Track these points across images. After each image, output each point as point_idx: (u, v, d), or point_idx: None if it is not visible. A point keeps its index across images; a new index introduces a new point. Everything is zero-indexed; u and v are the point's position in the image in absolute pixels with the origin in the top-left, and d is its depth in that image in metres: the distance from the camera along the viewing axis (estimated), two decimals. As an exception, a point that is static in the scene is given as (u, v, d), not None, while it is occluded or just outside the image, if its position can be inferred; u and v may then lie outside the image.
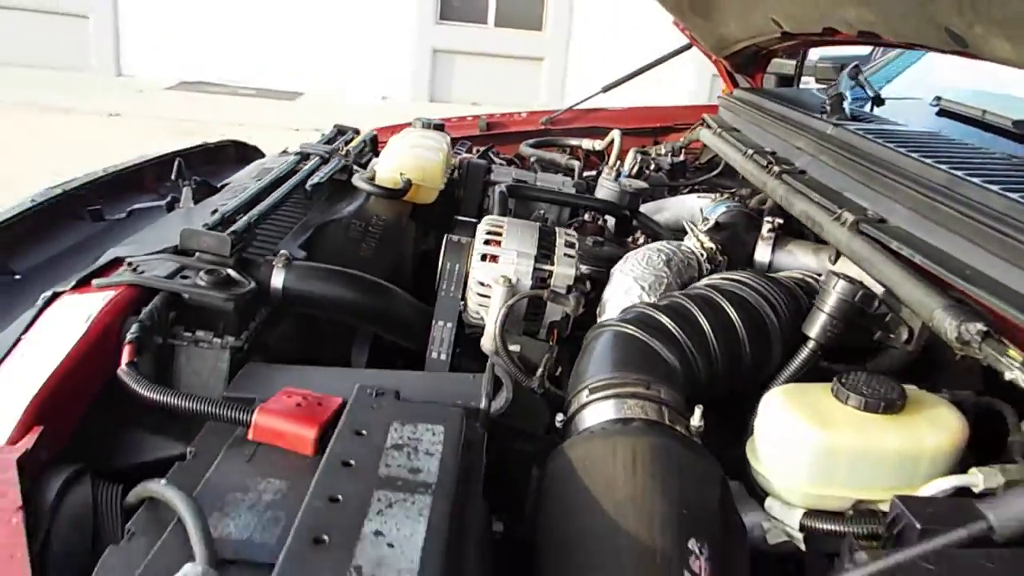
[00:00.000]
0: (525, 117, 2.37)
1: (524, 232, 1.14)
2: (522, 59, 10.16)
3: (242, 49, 9.62)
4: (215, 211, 1.13)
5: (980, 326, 0.77)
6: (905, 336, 0.99)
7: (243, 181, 1.47)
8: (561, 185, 1.68)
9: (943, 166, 1.07)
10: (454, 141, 1.83)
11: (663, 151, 2.08)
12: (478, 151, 2.01)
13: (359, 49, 9.71)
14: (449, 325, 1.13)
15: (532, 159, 1.99)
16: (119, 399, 0.87)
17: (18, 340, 0.89)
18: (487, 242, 1.13)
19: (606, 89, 2.33)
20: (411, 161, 1.42)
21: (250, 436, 0.79)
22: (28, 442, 0.77)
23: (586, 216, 1.60)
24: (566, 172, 1.92)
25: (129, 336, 0.88)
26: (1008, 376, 0.75)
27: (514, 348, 1.07)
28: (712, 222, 1.36)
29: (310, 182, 1.34)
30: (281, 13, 9.60)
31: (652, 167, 1.92)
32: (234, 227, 1.05)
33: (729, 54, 2.06)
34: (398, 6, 9.66)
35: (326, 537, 0.62)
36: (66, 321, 0.91)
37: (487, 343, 1.09)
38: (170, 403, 0.82)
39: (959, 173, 1.02)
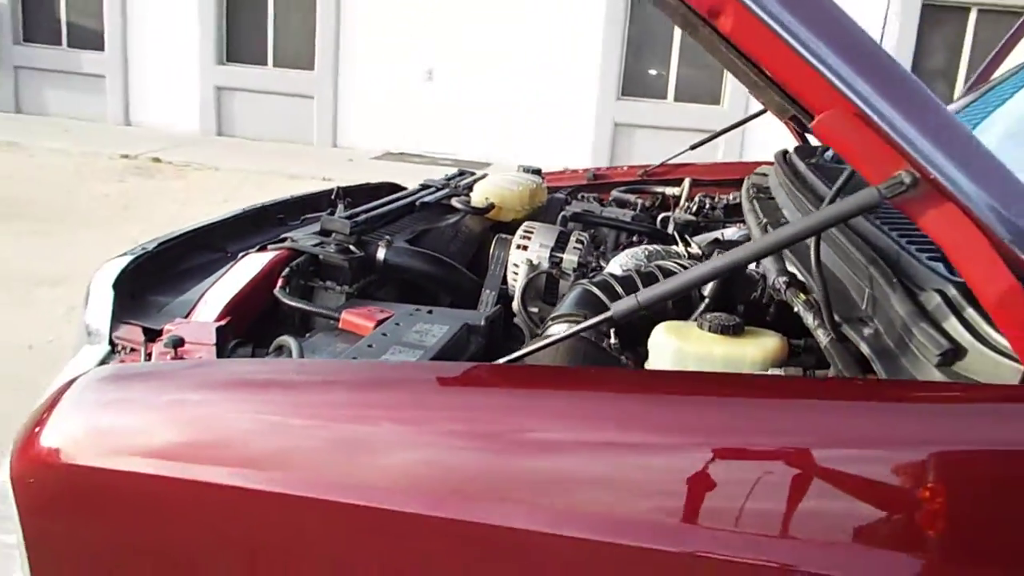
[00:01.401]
0: (626, 170, 2.86)
1: (548, 232, 1.65)
2: (699, 132, 10.59)
3: (440, 124, 10.77)
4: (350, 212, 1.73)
5: (784, 279, 1.19)
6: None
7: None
8: (620, 216, 2.16)
9: None
10: (571, 189, 2.37)
11: (731, 197, 2.49)
12: (582, 196, 2.52)
13: (544, 123, 10.57)
14: (492, 293, 1.65)
15: (610, 197, 2.48)
16: (272, 312, 1.45)
17: (223, 274, 1.51)
18: (522, 238, 1.65)
19: (693, 147, 2.78)
20: (495, 190, 1.97)
21: (339, 326, 1.34)
22: (220, 322, 1.37)
23: (634, 237, 2.07)
24: (633, 207, 2.40)
25: (283, 274, 1.47)
26: (795, 309, 1.16)
27: (533, 309, 1.57)
28: (713, 237, 1.79)
29: (420, 200, 1.92)
30: (475, 92, 10.69)
31: (708, 207, 2.36)
32: (356, 219, 1.64)
33: (789, 118, 2.45)
34: (583, 82, 10.46)
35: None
36: (249, 266, 1.51)
37: (515, 304, 1.59)
38: (300, 307, 1.39)
39: None
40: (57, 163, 8.82)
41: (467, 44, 10.72)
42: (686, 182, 2.40)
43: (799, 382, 1.04)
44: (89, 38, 11.61)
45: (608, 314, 0.97)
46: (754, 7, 0.81)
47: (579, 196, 2.49)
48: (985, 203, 0.79)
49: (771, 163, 2.76)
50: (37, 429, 0.97)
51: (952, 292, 0.94)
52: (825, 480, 0.79)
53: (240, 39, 11.34)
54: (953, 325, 0.91)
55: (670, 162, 2.84)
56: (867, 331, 1.02)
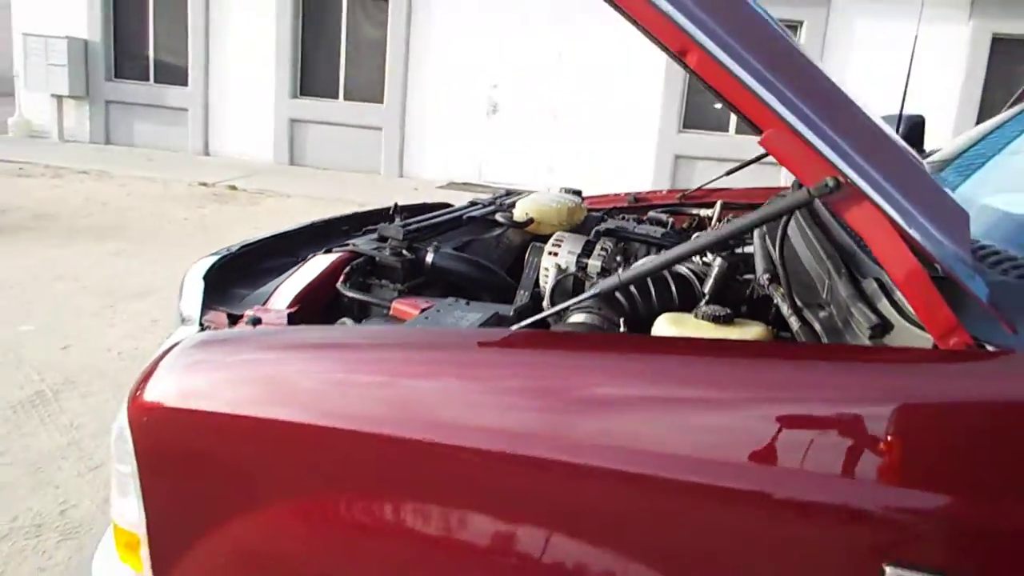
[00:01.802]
0: (665, 194, 3.06)
1: (576, 241, 1.87)
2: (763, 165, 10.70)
3: (502, 155, 11.12)
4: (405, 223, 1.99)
5: (767, 275, 1.39)
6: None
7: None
8: (651, 232, 2.36)
9: None
10: (609, 209, 2.60)
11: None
12: (622, 216, 2.74)
13: (606, 155, 10.82)
14: (526, 293, 1.87)
15: (645, 218, 2.68)
16: (335, 303, 1.70)
17: (295, 271, 1.77)
18: (553, 245, 1.87)
19: (729, 172, 2.97)
20: (535, 206, 2.20)
21: (390, 313, 1.58)
22: (291, 310, 1.62)
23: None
24: (664, 226, 2.60)
25: (345, 272, 1.72)
26: (775, 301, 1.36)
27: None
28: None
29: (467, 215, 2.17)
30: (537, 124, 11.01)
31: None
32: (409, 227, 1.89)
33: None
34: (644, 114, 10.69)
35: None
36: (317, 265, 1.77)
37: (545, 303, 1.81)
38: (358, 298, 1.64)
39: None
40: (142, 190, 9.40)
41: (530, 79, 11.08)
42: (718, 204, 2.59)
43: (758, 345, 1.23)
44: (174, 74, 12.33)
45: (595, 291, 1.19)
46: (709, 48, 1.02)
47: (617, 216, 2.71)
48: (894, 201, 0.99)
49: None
50: (145, 383, 1.23)
51: (886, 278, 1.13)
52: (790, 424, 0.96)
53: (313, 74, 11.92)
54: (885, 305, 1.10)
55: (707, 187, 3.03)
56: (822, 314, 1.21)
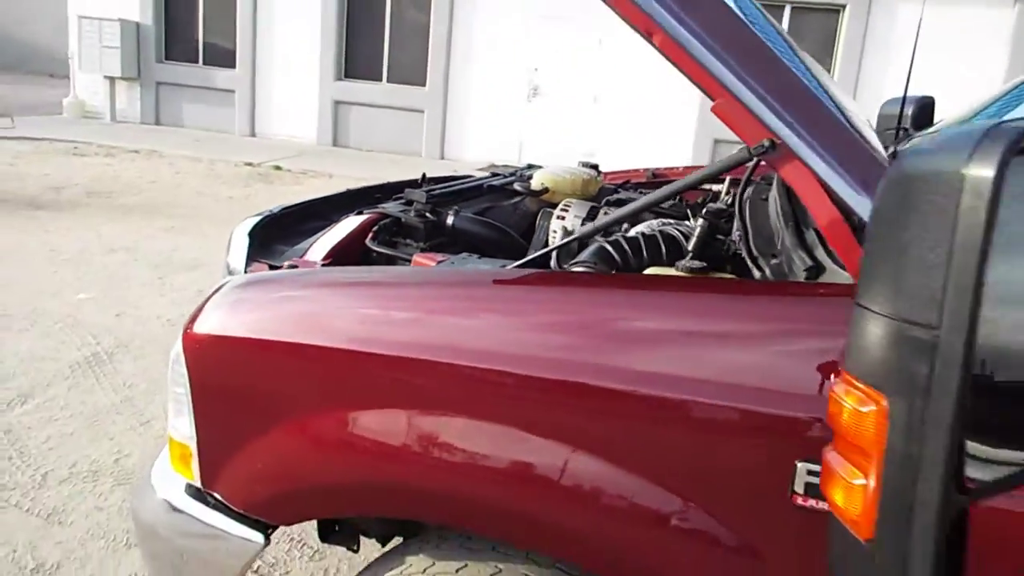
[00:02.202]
0: (682, 170, 3.20)
1: (582, 206, 2.03)
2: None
3: (541, 138, 11.25)
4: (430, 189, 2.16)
5: (739, 232, 1.53)
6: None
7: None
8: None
9: None
10: (624, 182, 2.76)
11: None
12: (638, 190, 2.89)
13: (642, 136, 10.90)
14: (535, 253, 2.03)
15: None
16: (364, 258, 1.88)
17: (329, 230, 1.95)
18: (561, 210, 2.03)
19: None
20: (550, 176, 2.36)
21: (411, 265, 1.76)
22: (325, 262, 1.80)
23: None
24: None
25: (374, 230, 1.90)
26: (742, 254, 1.51)
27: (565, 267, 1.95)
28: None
29: (487, 184, 2.33)
30: (575, 107, 11.12)
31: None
32: (432, 192, 2.06)
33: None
34: (682, 99, 10.71)
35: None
36: (349, 224, 1.95)
37: (552, 263, 1.97)
38: (385, 252, 1.82)
39: None
40: (190, 170, 9.73)
41: (571, 63, 11.19)
42: (727, 180, 2.72)
43: (706, 281, 1.39)
44: (222, 56, 12.66)
45: (575, 236, 1.36)
46: (670, 30, 1.19)
47: (633, 189, 2.85)
48: (820, 159, 1.14)
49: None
50: (196, 317, 1.42)
51: (823, 227, 1.29)
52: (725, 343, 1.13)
53: (358, 57, 12.16)
54: (820, 252, 1.26)
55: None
56: (774, 261, 1.37)
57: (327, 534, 1.56)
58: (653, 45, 1.24)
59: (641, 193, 2.78)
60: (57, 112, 13.24)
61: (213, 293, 1.45)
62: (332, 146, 12.27)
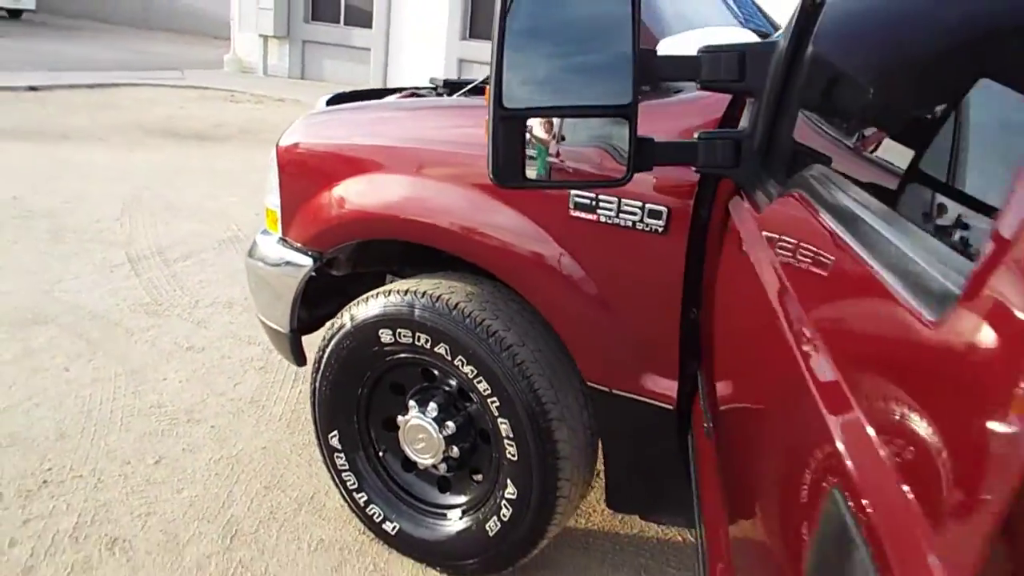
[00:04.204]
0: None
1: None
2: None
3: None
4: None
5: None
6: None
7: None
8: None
9: None
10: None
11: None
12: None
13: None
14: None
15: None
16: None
17: (380, 100, 2.89)
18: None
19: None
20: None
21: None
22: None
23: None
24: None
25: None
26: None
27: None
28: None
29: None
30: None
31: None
32: (448, 81, 2.96)
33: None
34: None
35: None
36: (391, 98, 2.88)
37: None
38: None
39: None
40: (327, 115, 10.98)
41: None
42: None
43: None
44: (361, 17, 13.93)
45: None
46: None
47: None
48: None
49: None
50: (285, 134, 2.39)
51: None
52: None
53: (481, 19, 13.12)
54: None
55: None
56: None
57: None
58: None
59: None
60: (219, 67, 14.94)
61: (295, 123, 2.42)
62: (455, 100, 13.32)
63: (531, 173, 1.44)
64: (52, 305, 3.79)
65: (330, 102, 2.77)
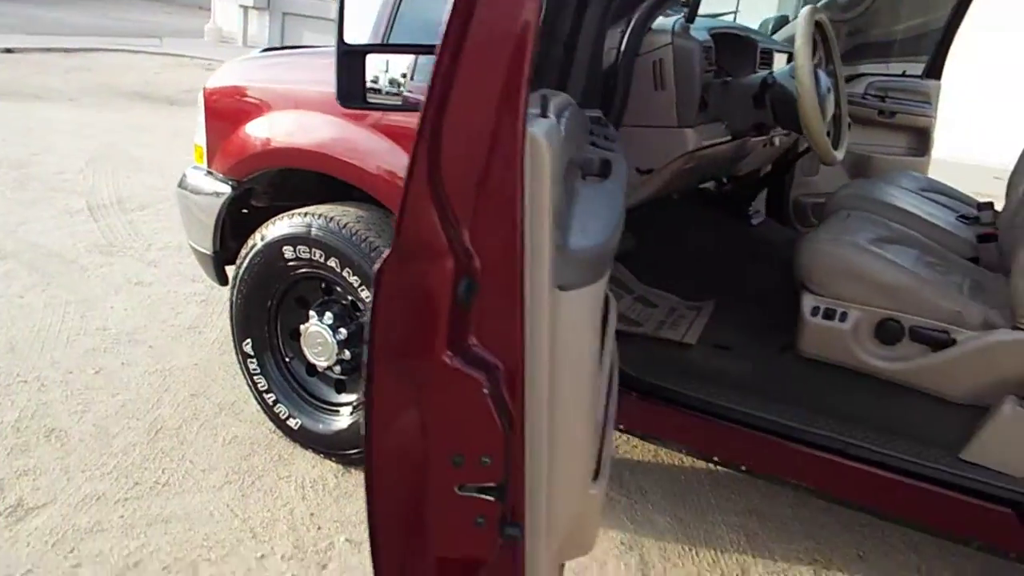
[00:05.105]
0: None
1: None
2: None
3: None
4: None
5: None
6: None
7: None
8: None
9: None
10: None
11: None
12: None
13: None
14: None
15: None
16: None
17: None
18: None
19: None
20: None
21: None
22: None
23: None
24: None
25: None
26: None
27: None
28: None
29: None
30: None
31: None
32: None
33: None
34: None
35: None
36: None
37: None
38: None
39: None
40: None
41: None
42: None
43: None
44: (339, -10, 14.07)
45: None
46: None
47: None
48: None
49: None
50: (212, 79, 2.69)
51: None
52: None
53: None
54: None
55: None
56: None
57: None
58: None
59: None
60: (199, 36, 15.10)
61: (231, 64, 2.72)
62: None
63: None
64: (13, 244, 4.08)
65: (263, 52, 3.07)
